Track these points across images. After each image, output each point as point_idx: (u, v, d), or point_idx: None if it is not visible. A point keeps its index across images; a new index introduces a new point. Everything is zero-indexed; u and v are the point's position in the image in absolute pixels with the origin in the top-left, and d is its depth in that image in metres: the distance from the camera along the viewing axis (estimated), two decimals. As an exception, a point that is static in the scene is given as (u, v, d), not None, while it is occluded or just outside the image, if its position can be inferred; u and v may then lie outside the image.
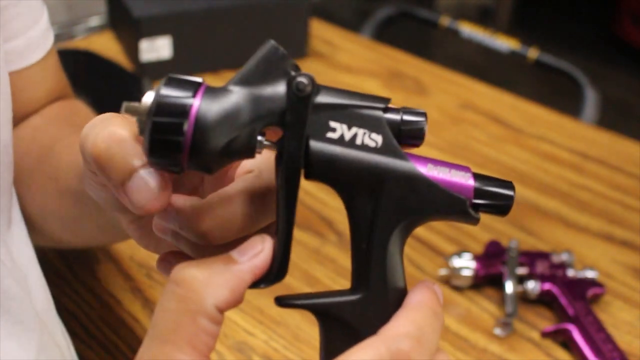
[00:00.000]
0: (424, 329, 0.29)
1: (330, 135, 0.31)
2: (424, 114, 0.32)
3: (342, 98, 0.31)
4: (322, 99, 0.31)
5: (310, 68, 1.04)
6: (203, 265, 0.30)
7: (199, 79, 0.31)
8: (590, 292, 0.64)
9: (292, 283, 0.64)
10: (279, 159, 0.31)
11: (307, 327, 0.60)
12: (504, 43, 1.25)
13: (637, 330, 0.63)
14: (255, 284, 0.32)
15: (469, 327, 0.62)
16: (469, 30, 1.28)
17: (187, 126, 0.29)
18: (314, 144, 0.31)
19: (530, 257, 0.67)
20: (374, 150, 0.31)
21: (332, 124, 0.31)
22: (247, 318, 0.61)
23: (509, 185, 0.33)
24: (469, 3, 3.10)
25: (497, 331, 0.62)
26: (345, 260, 0.68)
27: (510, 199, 0.33)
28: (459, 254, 0.66)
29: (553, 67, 1.21)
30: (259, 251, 0.31)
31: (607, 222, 0.76)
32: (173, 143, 0.29)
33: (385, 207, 0.31)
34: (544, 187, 0.81)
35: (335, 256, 0.68)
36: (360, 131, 0.31)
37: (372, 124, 0.31)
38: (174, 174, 0.31)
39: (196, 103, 0.30)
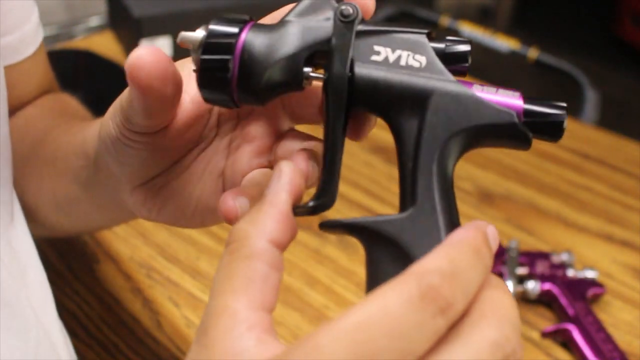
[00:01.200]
0: (459, 266, 0.26)
1: (374, 58, 0.32)
2: (468, 42, 0.33)
3: (384, 25, 0.32)
4: (367, 27, 0.32)
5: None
6: (244, 215, 0.31)
7: (246, 17, 0.33)
8: (590, 292, 0.64)
9: (293, 283, 0.64)
10: (325, 87, 0.32)
11: (307, 327, 0.60)
12: (504, 43, 1.25)
13: (637, 330, 0.63)
14: (300, 207, 0.32)
15: (469, 327, 0.62)
16: (469, 30, 1.28)
17: (233, 63, 0.31)
18: (359, 68, 0.32)
19: (530, 257, 0.67)
20: (419, 69, 0.32)
21: (376, 47, 0.32)
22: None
23: (560, 106, 0.33)
24: (469, 3, 3.10)
25: None
26: (345, 260, 0.68)
27: (561, 118, 0.33)
28: None
29: (553, 67, 1.21)
30: (280, 174, 0.31)
31: (607, 222, 0.76)
32: (220, 79, 0.31)
33: (431, 123, 0.31)
34: (544, 187, 0.81)
35: (336, 256, 0.68)
36: (404, 53, 0.32)
37: (415, 47, 0.32)
38: (231, 108, 0.33)
39: (242, 38, 0.31)
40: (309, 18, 0.32)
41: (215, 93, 0.32)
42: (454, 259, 0.26)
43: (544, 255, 0.67)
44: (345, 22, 0.32)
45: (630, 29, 2.84)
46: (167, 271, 0.65)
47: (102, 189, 0.46)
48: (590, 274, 0.66)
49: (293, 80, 0.32)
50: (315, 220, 0.73)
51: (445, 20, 1.30)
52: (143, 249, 0.68)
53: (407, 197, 0.31)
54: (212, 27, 0.32)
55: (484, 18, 3.02)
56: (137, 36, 0.94)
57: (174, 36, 0.96)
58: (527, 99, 0.32)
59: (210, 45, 0.31)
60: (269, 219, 0.30)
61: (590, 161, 0.86)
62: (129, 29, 0.98)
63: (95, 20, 1.18)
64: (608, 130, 0.94)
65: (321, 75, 0.32)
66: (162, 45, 0.95)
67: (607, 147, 0.90)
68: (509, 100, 0.32)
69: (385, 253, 0.30)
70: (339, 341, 0.24)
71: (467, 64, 0.33)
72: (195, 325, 0.60)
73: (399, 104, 0.31)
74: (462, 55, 0.33)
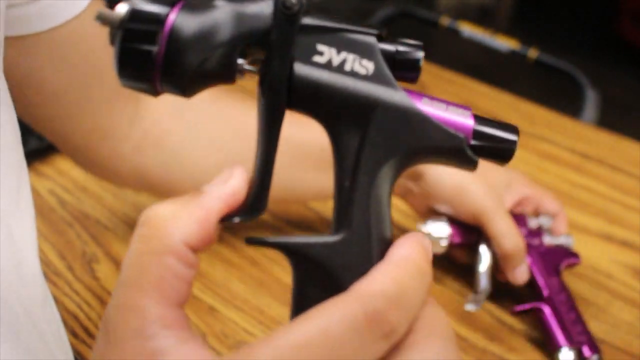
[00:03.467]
0: (405, 288, 0.26)
1: (317, 59, 0.29)
2: (420, 46, 0.30)
3: (333, 22, 0.29)
4: (311, 20, 0.29)
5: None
6: (169, 202, 0.28)
7: None
8: (565, 264, 0.63)
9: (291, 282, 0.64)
10: (261, 84, 0.29)
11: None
12: (504, 43, 1.25)
13: (637, 330, 0.63)
14: (228, 217, 0.29)
15: (468, 327, 0.62)
16: (469, 30, 1.28)
17: (161, 35, 0.27)
18: (299, 67, 0.28)
19: None
20: (364, 77, 0.29)
21: (320, 47, 0.29)
22: (247, 318, 0.61)
23: (512, 128, 0.30)
24: (469, 3, 3.10)
25: (469, 307, 0.61)
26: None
27: (513, 143, 0.30)
28: (434, 219, 0.63)
29: (553, 67, 1.21)
30: (226, 179, 0.29)
31: (607, 222, 0.76)
32: (145, 53, 0.27)
33: (373, 140, 0.28)
34: (544, 187, 0.81)
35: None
36: (350, 56, 0.29)
37: (363, 50, 0.29)
38: (149, 95, 0.29)
39: (173, 14, 0.28)
40: (246, 2, 0.29)
41: (135, 80, 0.28)
42: (399, 281, 0.26)
43: (521, 219, 0.65)
44: (287, 14, 0.28)
45: (630, 29, 2.85)
46: (167, 271, 0.65)
47: None
48: (564, 241, 0.64)
49: (225, 71, 0.29)
50: (315, 220, 0.73)
51: (445, 20, 1.30)
52: (143, 249, 0.68)
53: (342, 217, 0.29)
54: (136, 4, 0.28)
55: (484, 18, 3.03)
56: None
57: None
58: (477, 119, 0.30)
59: (132, 31, 0.27)
60: (193, 221, 0.28)
61: (590, 161, 0.86)
62: (129, 29, 0.98)
63: (95, 20, 1.18)
64: (608, 130, 0.94)
65: (256, 69, 0.29)
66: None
67: (607, 147, 0.90)
68: (459, 119, 0.30)
69: (314, 276, 0.29)
70: (276, 355, 0.24)
71: (417, 73, 0.30)
72: (196, 325, 0.60)
73: (340, 113, 0.29)
74: (414, 63, 0.29)
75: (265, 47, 0.29)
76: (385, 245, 0.29)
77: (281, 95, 0.29)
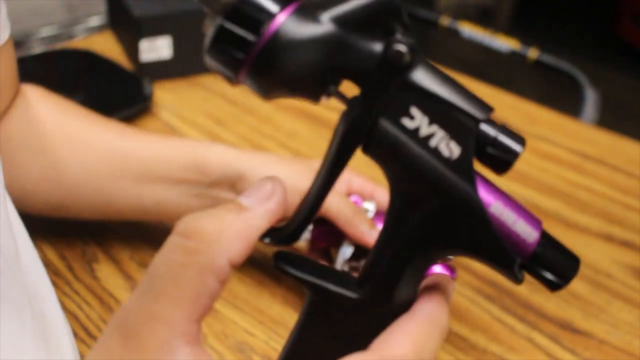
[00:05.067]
0: (425, 348, 0.27)
1: (405, 122, 0.27)
2: (523, 141, 0.28)
3: (440, 87, 0.27)
4: (418, 77, 0.26)
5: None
6: (213, 217, 0.27)
7: None
8: None
9: (293, 283, 0.64)
10: (344, 118, 0.28)
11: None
12: (504, 43, 1.25)
13: (637, 331, 0.63)
14: (263, 236, 0.28)
15: (469, 327, 0.62)
16: (469, 30, 1.28)
17: (265, 29, 0.26)
18: (384, 123, 0.27)
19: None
20: (445, 160, 0.27)
21: (413, 110, 0.27)
22: (247, 318, 0.61)
23: (574, 259, 0.29)
24: (469, 3, 3.10)
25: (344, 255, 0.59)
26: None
27: (568, 279, 0.29)
28: None
29: (553, 67, 1.21)
30: (269, 194, 0.28)
31: (607, 222, 0.76)
32: (243, 40, 0.26)
33: (428, 224, 0.27)
34: (544, 187, 0.81)
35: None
36: (440, 133, 0.27)
37: (457, 131, 0.27)
38: (224, 78, 0.28)
39: (283, 15, 0.26)
40: (357, 33, 0.26)
41: (221, 62, 0.27)
42: (421, 345, 0.27)
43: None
44: (394, 65, 0.26)
45: (630, 28, 2.84)
46: (167, 271, 0.65)
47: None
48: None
49: (312, 91, 0.27)
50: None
51: (445, 20, 1.30)
52: (143, 249, 0.68)
53: (372, 276, 0.28)
54: None
55: (484, 18, 3.03)
56: (137, 36, 0.94)
57: (174, 36, 0.96)
58: (543, 240, 0.28)
59: (239, 12, 0.26)
60: (240, 240, 0.27)
61: (590, 161, 0.86)
62: (129, 29, 0.98)
63: (95, 20, 1.18)
64: (608, 130, 0.94)
65: (344, 99, 0.28)
66: (162, 45, 0.95)
67: (607, 147, 0.90)
68: (522, 236, 0.28)
69: (327, 319, 0.29)
70: None
71: (505, 170, 0.28)
72: (195, 325, 0.60)
73: (407, 184, 0.27)
74: (503, 164, 0.28)
75: (361, 84, 0.27)
76: (405, 306, 0.29)
77: (357, 140, 0.27)
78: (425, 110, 0.26)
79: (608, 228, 0.75)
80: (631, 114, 2.43)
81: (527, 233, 0.28)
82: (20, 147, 0.60)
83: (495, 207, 0.28)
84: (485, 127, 0.27)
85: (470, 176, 0.27)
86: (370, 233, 0.57)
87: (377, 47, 0.26)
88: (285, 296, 0.63)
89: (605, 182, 0.82)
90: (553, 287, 0.29)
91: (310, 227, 0.61)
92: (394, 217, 0.28)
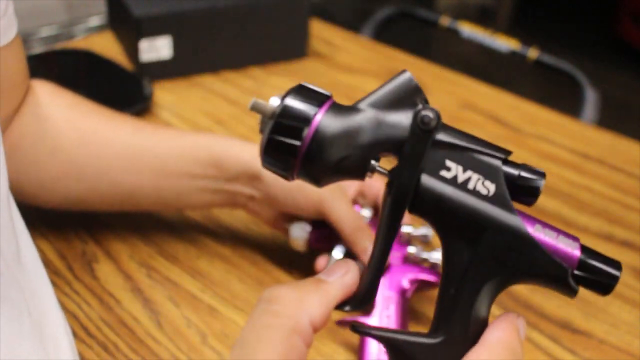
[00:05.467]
0: None
1: (444, 173, 0.31)
2: (543, 174, 0.32)
3: (464, 140, 0.31)
4: (444, 137, 0.31)
5: (310, 68, 1.04)
6: (295, 285, 0.31)
7: (327, 93, 0.32)
8: (411, 278, 0.57)
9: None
10: (389, 188, 0.32)
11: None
12: (504, 43, 1.25)
13: (637, 331, 0.63)
14: (342, 305, 0.32)
15: (469, 327, 0.62)
16: (469, 30, 1.28)
17: (306, 133, 0.30)
18: (426, 179, 0.31)
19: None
20: (485, 197, 0.31)
21: (448, 163, 0.31)
22: (247, 318, 0.61)
23: (616, 264, 0.32)
24: (469, 3, 3.10)
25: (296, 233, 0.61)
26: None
27: (614, 278, 0.32)
28: (298, 221, 0.62)
29: (553, 67, 1.21)
30: (345, 271, 0.32)
31: (607, 222, 0.76)
32: (289, 146, 0.30)
33: (483, 257, 0.30)
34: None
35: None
36: (475, 176, 0.31)
37: (487, 171, 0.31)
38: (282, 177, 0.32)
39: (320, 114, 0.31)
40: (387, 111, 0.31)
41: (276, 166, 0.32)
42: None
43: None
44: (424, 129, 0.30)
45: (630, 28, 2.85)
46: (167, 271, 0.65)
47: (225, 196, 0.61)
48: (425, 231, 0.59)
49: (358, 171, 0.31)
50: (315, 220, 0.71)
51: (445, 20, 1.30)
52: (143, 249, 0.68)
53: (442, 320, 0.31)
54: (288, 102, 0.31)
55: (484, 18, 3.03)
56: (137, 36, 0.94)
57: (174, 36, 0.96)
58: (584, 251, 0.32)
59: (282, 125, 0.30)
60: (320, 305, 0.30)
61: (590, 161, 0.86)
62: (129, 29, 0.98)
63: (95, 20, 1.18)
64: (608, 130, 0.94)
65: (385, 171, 0.32)
66: (162, 45, 0.95)
67: (607, 147, 0.90)
68: (567, 249, 0.32)
69: None
70: None
71: (535, 199, 0.32)
72: (196, 325, 0.60)
73: (457, 226, 0.31)
74: (534, 190, 0.32)
75: (398, 154, 0.31)
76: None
77: (406, 202, 0.31)
78: (457, 161, 0.31)
79: (608, 228, 0.75)
80: (631, 114, 2.43)
81: (570, 245, 0.32)
82: (35, 145, 0.61)
83: (537, 228, 0.31)
84: (507, 167, 0.32)
85: (510, 206, 0.31)
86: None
87: (407, 117, 0.31)
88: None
89: (605, 182, 0.82)
90: (605, 289, 0.32)
91: (309, 228, 0.61)
92: (450, 260, 0.31)
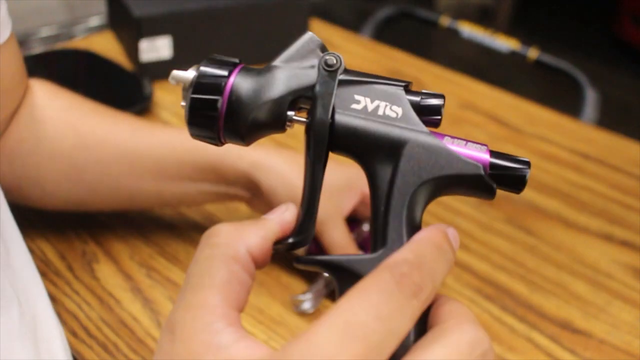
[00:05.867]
0: (424, 257, 0.30)
1: (354, 106, 0.34)
2: (442, 96, 0.35)
3: (367, 77, 0.35)
4: (349, 76, 0.35)
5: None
6: (235, 222, 0.33)
7: (236, 60, 0.35)
8: None
9: (292, 283, 0.64)
10: (307, 132, 0.34)
11: (307, 327, 0.60)
12: (504, 43, 1.25)
13: (637, 330, 0.63)
14: (280, 242, 0.34)
15: (469, 327, 0.62)
16: (469, 30, 1.28)
17: (225, 91, 0.33)
18: (340, 115, 0.34)
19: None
20: (395, 119, 0.34)
21: (357, 96, 0.34)
22: (247, 318, 0.61)
23: (523, 162, 0.35)
24: (469, 3, 3.10)
25: (306, 305, 0.61)
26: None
27: (523, 172, 0.35)
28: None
29: (553, 67, 1.21)
30: (284, 210, 0.35)
31: (607, 222, 0.76)
32: (208, 118, 0.34)
33: (404, 170, 0.33)
34: (544, 187, 0.81)
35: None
36: (382, 103, 0.34)
37: (393, 98, 0.34)
38: (216, 145, 0.35)
39: (230, 80, 0.34)
40: (295, 64, 0.35)
41: (202, 130, 0.34)
42: (418, 253, 0.30)
43: (356, 226, 0.65)
44: (328, 71, 0.34)
45: (630, 28, 2.85)
46: (167, 271, 0.65)
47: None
48: None
49: (277, 122, 0.34)
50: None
51: (445, 20, 1.30)
52: (143, 249, 0.68)
53: (379, 238, 0.33)
54: (203, 68, 0.34)
55: (484, 18, 3.03)
56: (137, 36, 0.94)
57: (174, 36, 0.96)
58: (493, 153, 0.35)
59: (200, 85, 0.34)
60: (257, 236, 0.32)
61: (590, 161, 0.86)
62: (129, 29, 0.98)
63: (95, 20, 1.18)
64: (608, 130, 0.94)
65: (304, 119, 0.34)
66: (162, 45, 0.95)
67: (607, 147, 0.90)
68: (477, 153, 0.35)
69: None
70: (332, 332, 0.26)
71: (439, 117, 0.35)
72: (195, 325, 0.60)
73: (375, 151, 0.34)
74: (436, 108, 0.35)
75: (310, 99, 0.34)
76: None
77: (324, 140, 0.34)
78: (364, 93, 0.34)
79: (608, 228, 0.75)
80: (631, 114, 2.43)
81: (479, 149, 0.35)
82: (35, 150, 0.61)
83: (447, 139, 0.34)
84: (409, 95, 0.35)
85: (419, 124, 0.34)
86: None
87: (314, 64, 0.35)
88: (285, 296, 0.63)
89: (605, 182, 0.82)
90: (517, 184, 0.35)
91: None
92: (375, 182, 0.34)
